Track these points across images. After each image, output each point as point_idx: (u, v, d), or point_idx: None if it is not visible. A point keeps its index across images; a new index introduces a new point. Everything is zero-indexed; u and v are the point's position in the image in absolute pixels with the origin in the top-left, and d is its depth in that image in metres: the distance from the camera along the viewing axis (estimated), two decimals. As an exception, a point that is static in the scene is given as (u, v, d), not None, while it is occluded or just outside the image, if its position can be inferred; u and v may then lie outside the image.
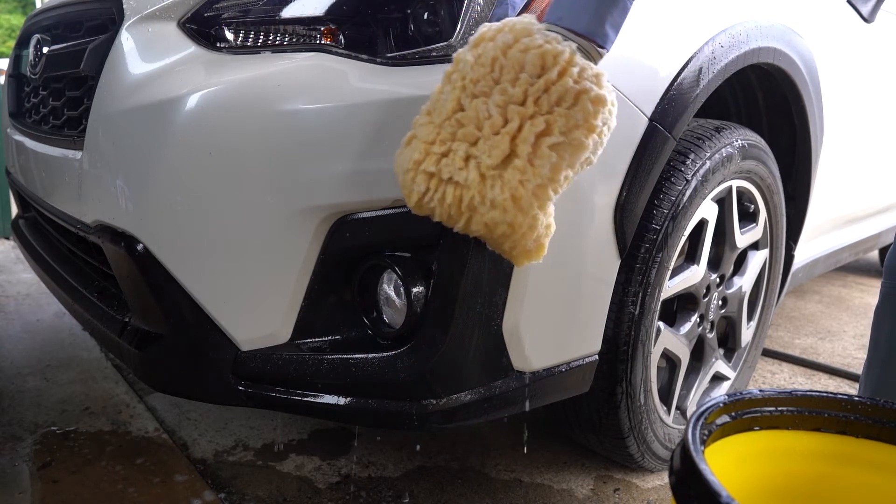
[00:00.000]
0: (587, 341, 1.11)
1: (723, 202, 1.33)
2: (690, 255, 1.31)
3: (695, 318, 1.35)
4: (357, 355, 0.95)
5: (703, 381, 1.45)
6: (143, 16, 1.02)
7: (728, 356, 1.54)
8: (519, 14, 0.91)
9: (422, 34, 0.92)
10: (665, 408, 1.34)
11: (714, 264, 1.38)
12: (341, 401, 0.97)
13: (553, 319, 1.03)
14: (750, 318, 1.57)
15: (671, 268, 1.20)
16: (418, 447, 1.45)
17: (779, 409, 0.73)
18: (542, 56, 0.76)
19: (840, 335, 2.44)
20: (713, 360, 1.46)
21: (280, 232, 0.90)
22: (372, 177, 0.88)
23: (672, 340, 1.29)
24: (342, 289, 0.99)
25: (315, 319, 0.97)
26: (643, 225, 1.11)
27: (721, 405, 0.69)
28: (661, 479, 1.39)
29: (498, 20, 0.83)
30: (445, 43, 0.90)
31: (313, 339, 0.98)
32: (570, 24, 0.78)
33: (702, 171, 1.19)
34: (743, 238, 1.42)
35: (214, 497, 1.24)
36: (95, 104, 1.03)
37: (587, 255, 1.04)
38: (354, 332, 1.01)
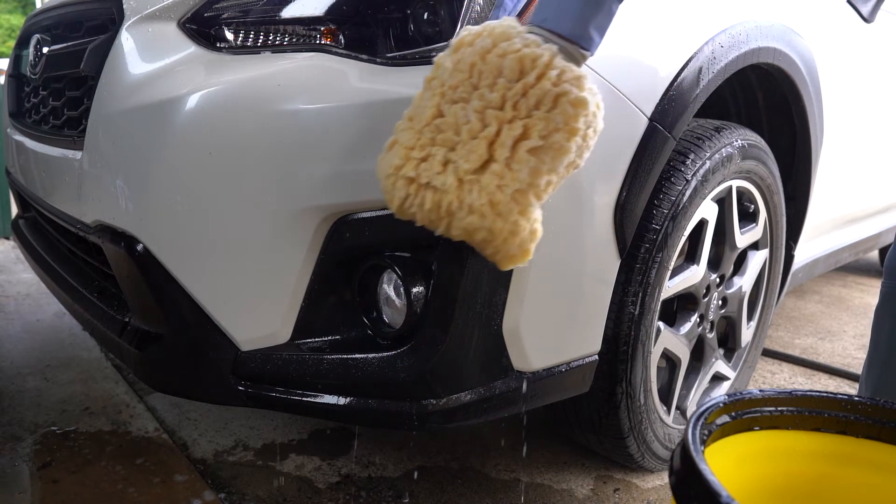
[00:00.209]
0: (587, 341, 1.11)
1: (723, 202, 1.33)
2: (690, 255, 1.31)
3: (695, 318, 1.35)
4: (357, 355, 0.95)
5: (703, 381, 1.45)
6: (143, 16, 1.02)
7: (728, 356, 1.54)
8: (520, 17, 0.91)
9: (422, 34, 0.92)
10: (665, 408, 1.34)
11: (714, 264, 1.38)
12: (341, 401, 0.97)
13: (553, 319, 1.03)
14: (750, 318, 1.57)
15: (671, 268, 1.20)
16: (418, 447, 1.45)
17: (779, 409, 0.73)
18: (520, 60, 0.76)
19: (840, 335, 2.44)
20: (713, 360, 1.46)
21: (280, 232, 0.90)
22: (372, 177, 0.88)
23: (672, 340, 1.29)
24: (342, 289, 0.99)
25: (315, 319, 0.97)
26: (643, 225, 1.11)
27: (721, 405, 0.69)
28: (661, 479, 1.39)
29: None
30: (445, 43, 0.90)
31: (313, 339, 0.98)
32: (554, 26, 0.78)
33: (702, 171, 1.19)
34: (743, 238, 1.42)
35: (214, 497, 1.24)
36: (95, 104, 1.03)
37: (587, 254, 1.04)
38: (354, 332, 1.01)
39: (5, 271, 2.69)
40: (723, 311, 1.45)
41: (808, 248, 1.89)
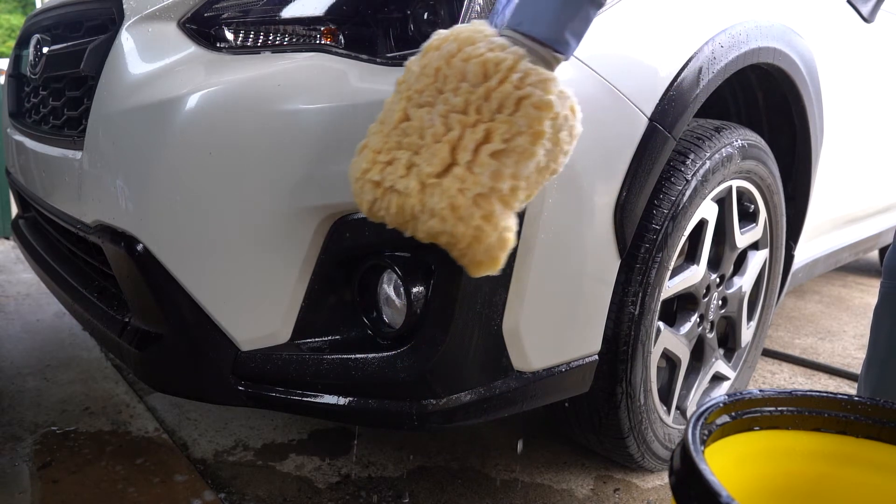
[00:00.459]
0: (587, 341, 1.11)
1: (723, 202, 1.33)
2: (690, 255, 1.31)
3: (695, 318, 1.35)
4: (357, 355, 0.95)
5: (703, 381, 1.45)
6: (143, 16, 1.02)
7: (728, 356, 1.54)
8: None
9: (422, 34, 0.91)
10: (665, 408, 1.34)
11: (714, 264, 1.38)
12: (341, 401, 0.97)
13: (553, 319, 1.03)
14: (750, 318, 1.57)
15: (671, 268, 1.20)
16: (418, 447, 1.45)
17: (779, 409, 0.73)
18: (483, 64, 0.76)
19: (840, 335, 2.44)
20: (713, 360, 1.46)
21: (280, 232, 0.90)
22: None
23: (672, 340, 1.29)
24: (342, 289, 0.99)
25: (315, 319, 0.97)
26: (643, 225, 1.11)
27: (721, 405, 0.69)
28: (661, 479, 1.39)
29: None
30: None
31: (313, 339, 0.98)
32: (529, 29, 0.78)
33: (702, 171, 1.19)
34: (743, 238, 1.42)
35: (214, 497, 1.24)
36: (95, 104, 1.03)
37: (587, 254, 1.04)
38: (354, 332, 1.01)
39: (5, 271, 2.70)
40: (723, 311, 1.45)
41: (808, 248, 1.89)
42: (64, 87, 1.24)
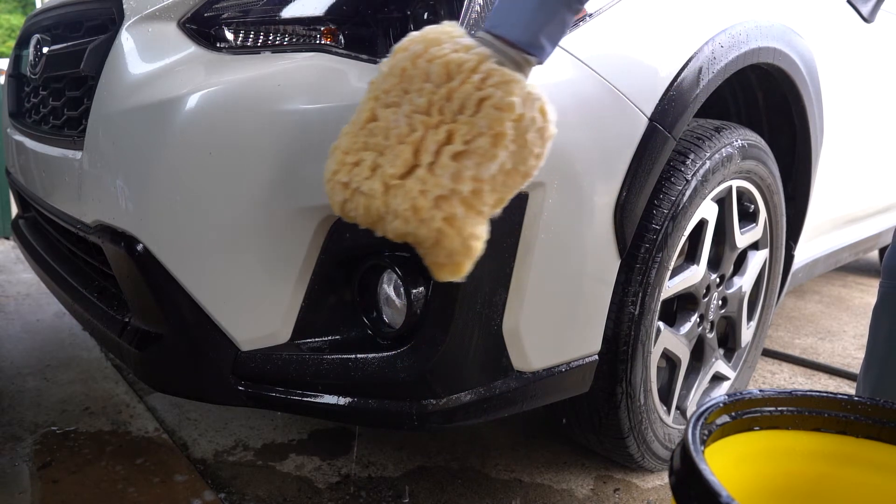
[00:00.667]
0: (587, 341, 1.11)
1: (723, 202, 1.33)
2: (690, 255, 1.31)
3: (695, 318, 1.35)
4: (357, 355, 0.95)
5: (703, 381, 1.45)
6: (143, 16, 1.02)
7: (728, 356, 1.54)
8: None
9: (422, 34, 0.91)
10: (665, 408, 1.34)
11: (714, 264, 1.38)
12: (341, 401, 0.97)
13: (553, 319, 1.03)
14: (750, 318, 1.57)
15: (671, 268, 1.20)
16: (418, 447, 1.45)
17: (779, 409, 0.73)
18: (446, 65, 0.76)
19: (840, 335, 2.44)
20: (713, 360, 1.46)
21: (280, 232, 0.90)
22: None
23: (672, 340, 1.29)
24: (342, 289, 0.99)
25: (315, 319, 0.97)
26: (643, 225, 1.11)
27: (721, 405, 0.69)
28: (661, 479, 1.39)
29: None
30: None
31: (313, 339, 0.98)
32: (503, 32, 0.77)
33: (702, 171, 1.19)
34: (743, 238, 1.42)
35: (214, 497, 1.24)
36: (95, 104, 1.03)
37: (587, 254, 1.04)
38: (354, 332, 1.01)
39: (5, 271, 2.70)
40: (723, 311, 1.45)
41: (808, 248, 1.89)
42: (64, 87, 1.24)
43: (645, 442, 1.29)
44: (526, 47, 0.77)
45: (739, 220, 1.39)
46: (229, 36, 0.96)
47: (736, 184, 1.34)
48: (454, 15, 0.91)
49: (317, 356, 0.96)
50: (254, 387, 0.98)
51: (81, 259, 1.32)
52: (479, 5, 0.91)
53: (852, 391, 1.90)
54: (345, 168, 0.79)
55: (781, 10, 1.39)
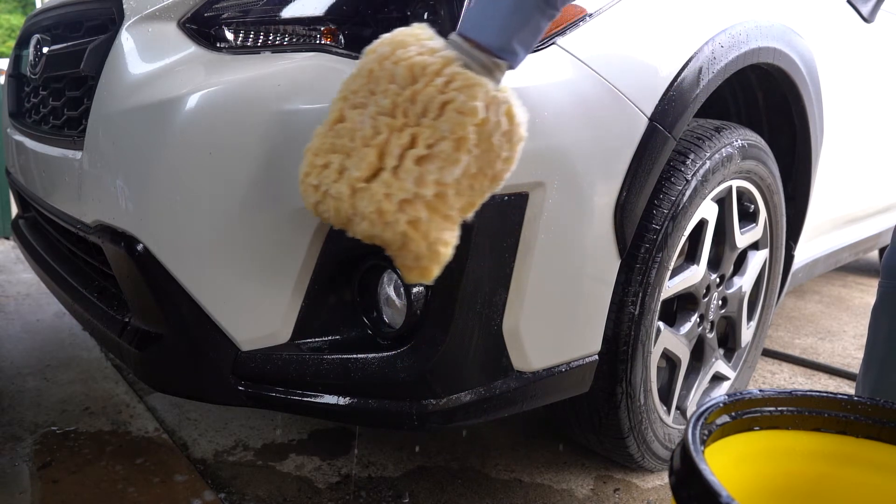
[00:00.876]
0: (587, 341, 1.11)
1: (723, 202, 1.33)
2: (690, 255, 1.31)
3: (695, 318, 1.35)
4: (357, 355, 0.95)
5: (703, 381, 1.45)
6: (143, 16, 1.02)
7: (728, 356, 1.54)
8: None
9: (422, 34, 0.91)
10: (665, 408, 1.34)
11: (714, 264, 1.38)
12: (341, 401, 0.97)
13: (553, 319, 1.03)
14: (750, 318, 1.57)
15: (671, 268, 1.20)
16: (418, 447, 1.45)
17: (779, 409, 0.73)
18: (411, 68, 0.76)
19: (840, 335, 2.44)
20: (713, 360, 1.46)
21: (280, 232, 0.90)
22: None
23: (672, 340, 1.29)
24: (342, 289, 0.99)
25: (315, 319, 0.97)
26: (643, 225, 1.11)
27: (721, 405, 0.69)
28: (661, 479, 1.39)
29: None
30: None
31: (313, 339, 0.98)
32: (475, 36, 0.77)
33: (702, 171, 1.19)
34: (743, 238, 1.42)
35: (214, 497, 1.24)
36: (95, 104, 1.03)
37: (587, 254, 1.04)
38: (354, 332, 1.01)
39: (5, 271, 2.70)
40: (723, 311, 1.45)
41: (808, 248, 1.89)
42: (64, 87, 1.24)
43: (645, 442, 1.29)
44: (497, 52, 0.77)
45: (739, 220, 1.39)
46: (229, 36, 0.96)
47: (736, 184, 1.34)
48: (454, 15, 0.91)
49: (317, 356, 0.96)
50: (254, 387, 0.98)
51: (81, 259, 1.32)
52: (479, 5, 0.91)
53: (852, 391, 1.90)
54: (315, 170, 0.79)
55: (781, 10, 1.39)
